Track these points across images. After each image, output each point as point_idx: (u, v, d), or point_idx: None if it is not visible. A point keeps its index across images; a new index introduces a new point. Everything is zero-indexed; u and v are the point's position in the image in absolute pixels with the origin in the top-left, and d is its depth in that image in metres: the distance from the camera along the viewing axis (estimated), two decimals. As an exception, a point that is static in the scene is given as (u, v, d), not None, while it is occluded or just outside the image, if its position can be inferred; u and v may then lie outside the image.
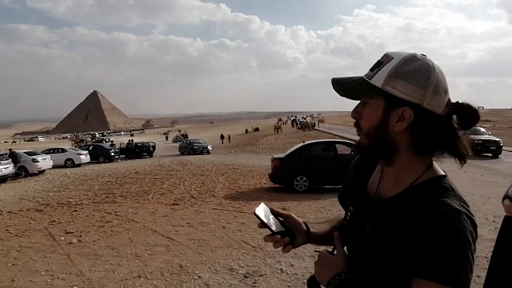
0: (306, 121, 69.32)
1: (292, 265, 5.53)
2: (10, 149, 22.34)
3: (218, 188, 13.25)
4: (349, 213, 1.11)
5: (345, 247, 1.07)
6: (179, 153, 34.98)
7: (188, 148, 34.56)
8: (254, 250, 6.24)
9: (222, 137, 47.59)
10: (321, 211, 9.04)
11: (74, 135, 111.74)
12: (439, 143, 0.95)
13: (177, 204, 10.54)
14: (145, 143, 34.02)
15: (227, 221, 8.37)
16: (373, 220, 0.98)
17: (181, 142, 39.97)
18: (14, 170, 18.62)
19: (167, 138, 73.17)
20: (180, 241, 6.90)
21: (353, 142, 12.66)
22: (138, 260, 5.94)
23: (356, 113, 1.00)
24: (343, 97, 0.99)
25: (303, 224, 1.22)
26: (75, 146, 35.84)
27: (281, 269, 5.37)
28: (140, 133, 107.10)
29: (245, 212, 9.15)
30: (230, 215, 8.93)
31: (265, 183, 13.84)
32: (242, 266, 5.54)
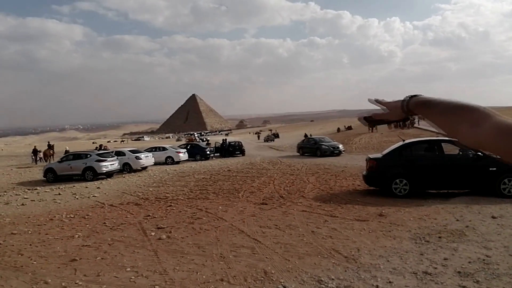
0: (404, 119, 64.55)
1: (390, 282, 4.78)
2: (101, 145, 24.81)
3: (308, 188, 12.71)
4: None
5: None
6: (299, 154, 28.99)
7: (313, 148, 27.41)
8: (346, 261, 5.59)
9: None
10: (425, 219, 7.93)
11: (188, 134, 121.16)
12: None
13: (266, 204, 10.29)
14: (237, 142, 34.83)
15: (317, 225, 7.80)
16: None
17: (301, 141, 31.32)
18: (119, 166, 20.39)
19: (258, 137, 74.63)
20: (267, 244, 6.56)
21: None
22: (223, 262, 5.73)
23: None
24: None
25: None
26: (188, 144, 36.34)
27: (377, 286, 4.67)
28: (227, 134, 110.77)
29: (337, 217, 8.48)
30: (320, 219, 8.34)
31: (358, 185, 12.89)
32: (333, 279, 4.95)
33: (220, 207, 10.10)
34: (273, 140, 56.53)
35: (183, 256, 6.08)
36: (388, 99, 1.10)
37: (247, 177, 16.29)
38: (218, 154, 32.74)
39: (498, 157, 0.84)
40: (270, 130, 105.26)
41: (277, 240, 6.78)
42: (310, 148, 27.87)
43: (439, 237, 6.54)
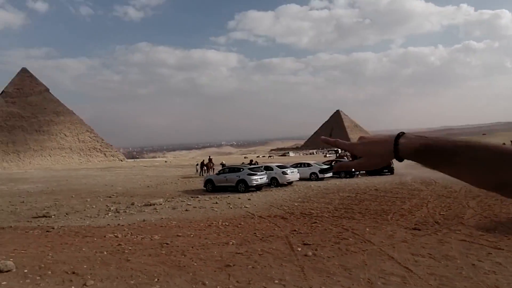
0: None
1: None
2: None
3: (468, 214, 11.24)
4: None
5: None
6: None
7: None
8: (519, 305, 4.78)
9: None
10: None
11: (334, 150, 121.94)
12: None
13: (419, 229, 9.51)
14: None
15: (478, 257, 6.86)
16: None
17: None
18: (267, 180, 21.65)
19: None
20: (419, 274, 6.08)
21: None
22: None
23: None
24: None
25: None
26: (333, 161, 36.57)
27: None
28: None
29: (503, 249, 7.31)
30: (482, 251, 7.30)
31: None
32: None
33: (367, 228, 9.79)
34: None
35: (329, 276, 6.13)
36: None
37: (397, 198, 15.33)
38: (364, 172, 31.74)
39: None
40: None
41: (431, 271, 6.22)
42: None
43: None
